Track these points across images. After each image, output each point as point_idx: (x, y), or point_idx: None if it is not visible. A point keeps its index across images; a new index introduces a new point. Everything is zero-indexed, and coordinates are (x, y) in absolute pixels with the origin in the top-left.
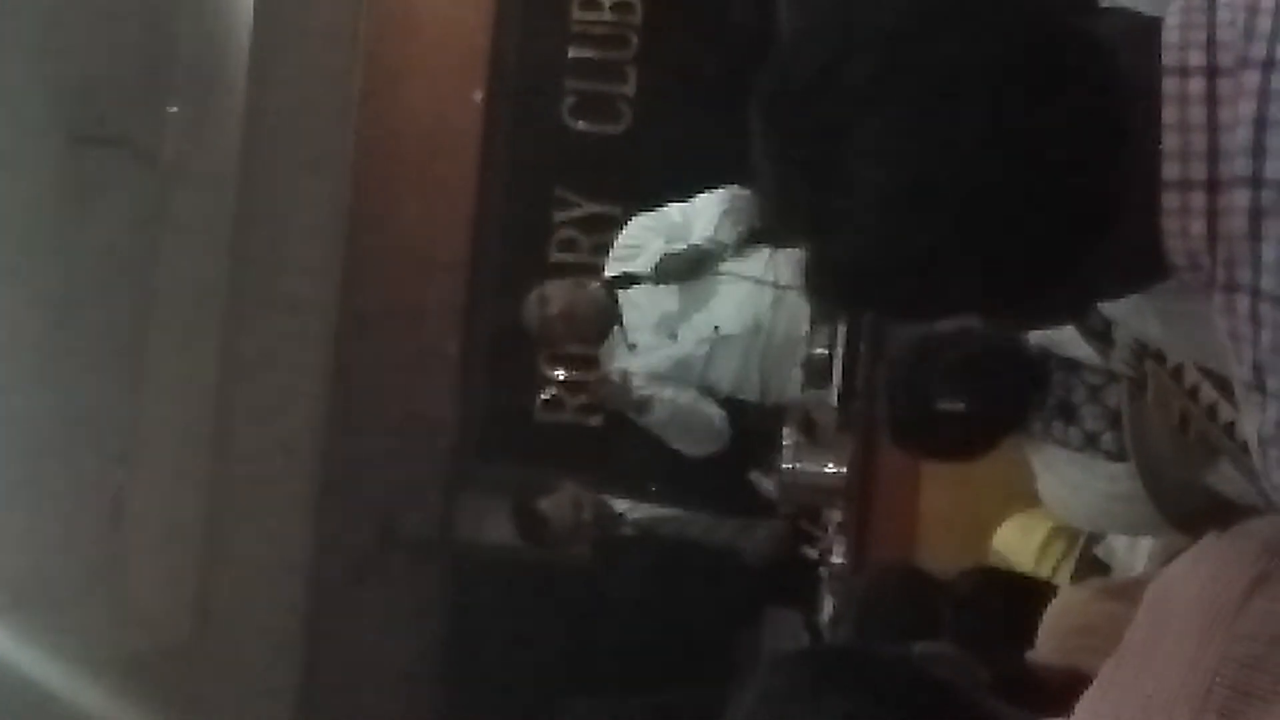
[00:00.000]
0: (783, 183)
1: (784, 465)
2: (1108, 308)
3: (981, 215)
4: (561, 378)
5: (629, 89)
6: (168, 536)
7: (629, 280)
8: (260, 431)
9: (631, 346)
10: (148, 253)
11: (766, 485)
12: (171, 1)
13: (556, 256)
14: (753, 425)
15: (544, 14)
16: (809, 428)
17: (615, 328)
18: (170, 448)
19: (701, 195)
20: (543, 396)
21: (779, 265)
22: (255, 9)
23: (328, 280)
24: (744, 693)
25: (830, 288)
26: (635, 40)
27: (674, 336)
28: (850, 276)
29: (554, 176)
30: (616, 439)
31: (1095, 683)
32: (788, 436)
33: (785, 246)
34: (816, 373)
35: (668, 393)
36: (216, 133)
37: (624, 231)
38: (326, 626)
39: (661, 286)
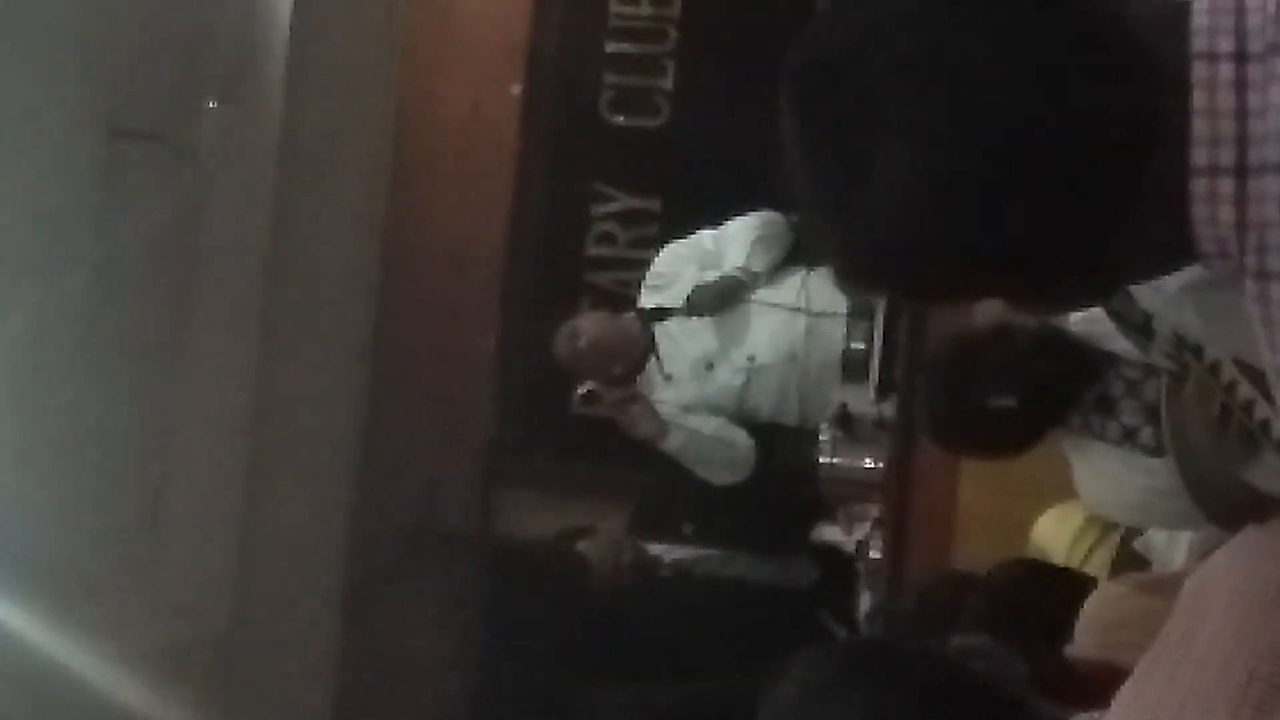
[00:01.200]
0: (812, 162)
1: (821, 460)
2: (1147, 301)
3: (1010, 197)
4: None
5: (667, 83)
6: (206, 528)
7: (662, 314)
8: (298, 425)
9: (668, 377)
10: (186, 247)
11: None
12: None
13: (594, 250)
14: (791, 454)
15: (582, 8)
16: (846, 423)
17: (652, 359)
18: (208, 441)
19: (733, 221)
20: (579, 391)
21: (811, 291)
22: (293, 4)
23: (366, 275)
24: (779, 684)
25: (859, 269)
26: (673, 34)
27: (710, 367)
28: (879, 257)
29: (592, 171)
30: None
31: (1133, 677)
32: (825, 432)
33: (817, 266)
34: (854, 368)
35: (692, 421)
36: (254, 128)
37: (656, 260)
38: (364, 618)
39: (695, 319)
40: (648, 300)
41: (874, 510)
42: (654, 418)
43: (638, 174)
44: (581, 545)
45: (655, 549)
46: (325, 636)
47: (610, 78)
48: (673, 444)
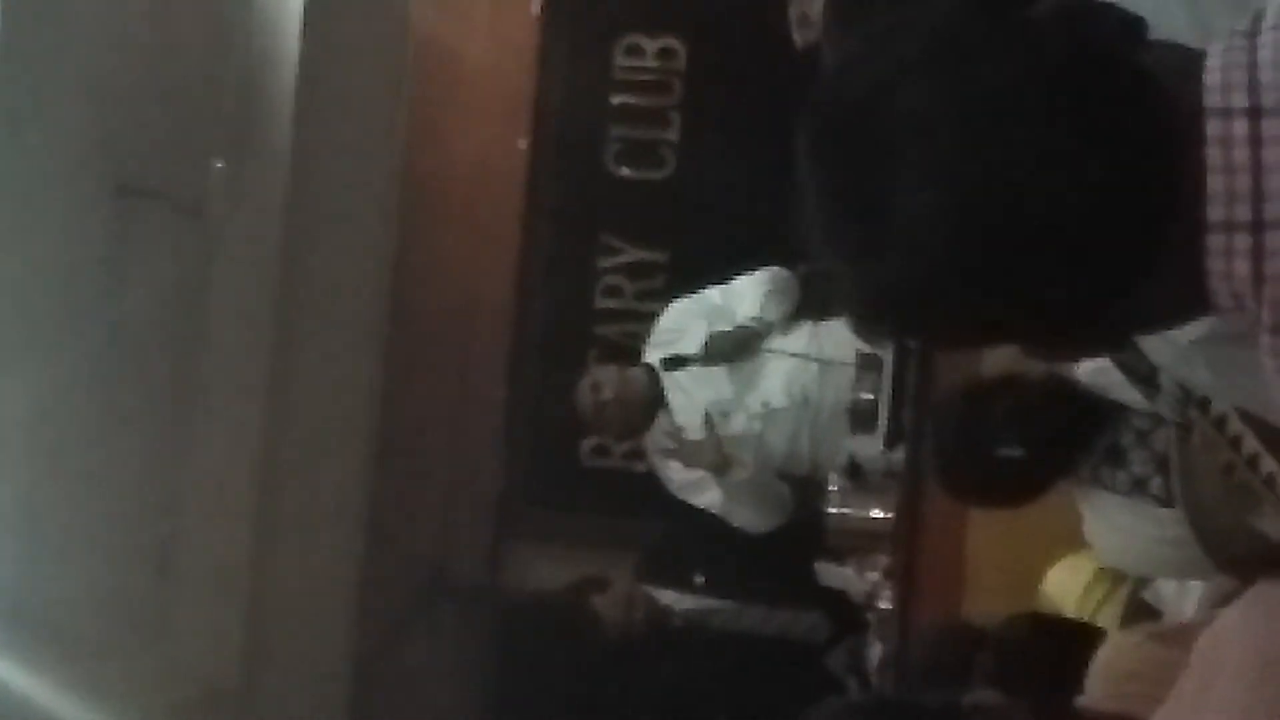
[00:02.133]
0: (828, 208)
1: (831, 510)
2: (1155, 354)
3: (1026, 245)
4: None
5: (673, 135)
6: (215, 585)
7: (678, 362)
8: (307, 480)
9: (678, 430)
10: (193, 305)
11: (831, 576)
12: (216, 54)
13: (601, 303)
14: (802, 503)
15: (588, 60)
16: (855, 473)
17: (660, 413)
18: (217, 497)
19: (741, 278)
20: (589, 443)
21: (822, 339)
22: (300, 61)
23: (374, 329)
24: None
25: (877, 314)
26: (679, 86)
27: (726, 416)
28: (894, 302)
29: (598, 222)
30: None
31: None
32: (834, 482)
33: (826, 318)
34: (863, 418)
35: (747, 457)
36: (261, 185)
37: (663, 317)
38: (374, 674)
39: (710, 369)
40: (655, 355)
41: (883, 560)
42: (721, 450)
43: (644, 226)
44: (595, 600)
45: (666, 598)
46: (336, 693)
47: (616, 130)
48: (739, 475)
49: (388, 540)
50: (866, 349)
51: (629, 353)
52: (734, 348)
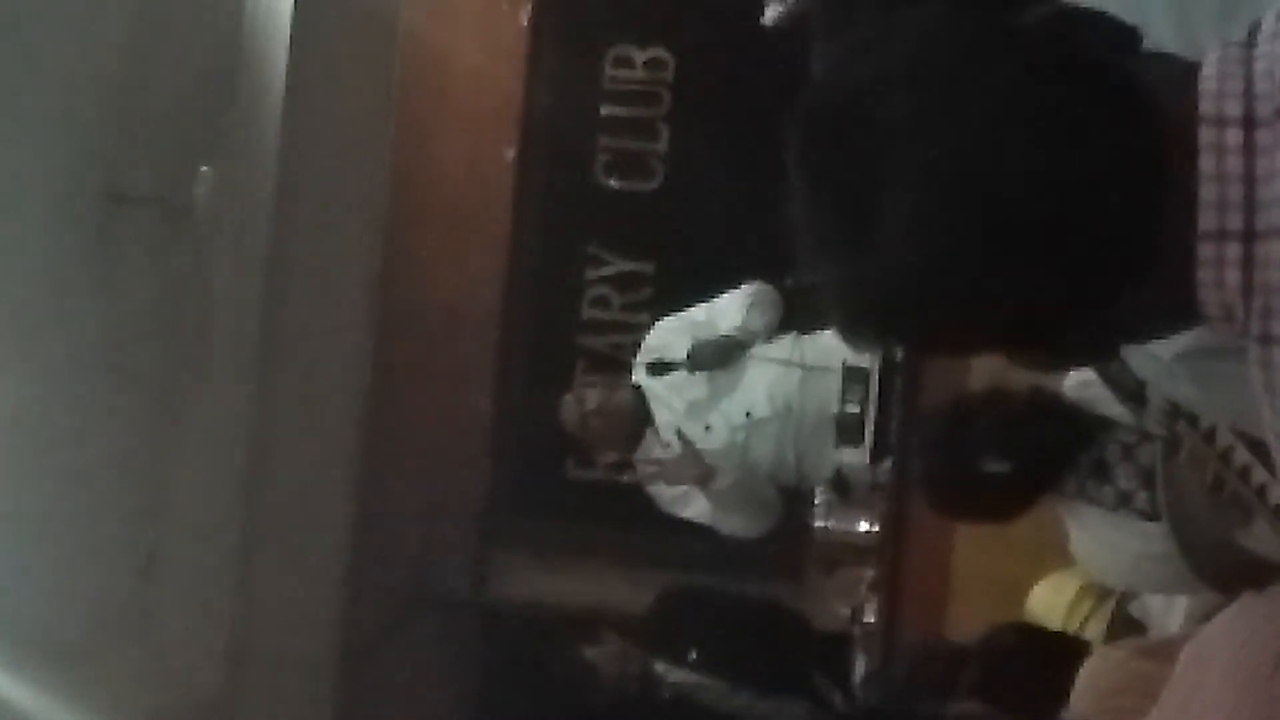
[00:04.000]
0: (816, 215)
1: (816, 524)
2: (1141, 369)
3: (1014, 253)
4: None
5: (661, 146)
6: (199, 590)
7: (662, 368)
8: (292, 486)
9: (666, 446)
10: (181, 309)
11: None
12: (205, 60)
13: (589, 314)
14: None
15: (576, 72)
16: (841, 486)
17: (648, 431)
18: (202, 501)
19: (724, 296)
20: (574, 454)
21: (805, 348)
22: (288, 68)
23: (361, 337)
24: None
25: (865, 321)
26: (667, 97)
27: (709, 429)
28: (881, 308)
29: (586, 234)
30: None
31: None
32: (820, 495)
33: (810, 330)
34: (848, 431)
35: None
36: (249, 190)
37: (649, 336)
38: (358, 682)
39: (690, 376)
40: (639, 375)
41: (869, 574)
42: (701, 462)
43: (632, 237)
44: (589, 652)
45: (658, 668)
46: (319, 701)
47: (605, 141)
48: (722, 483)
49: (373, 548)
50: (853, 361)
51: (616, 365)
52: (717, 356)
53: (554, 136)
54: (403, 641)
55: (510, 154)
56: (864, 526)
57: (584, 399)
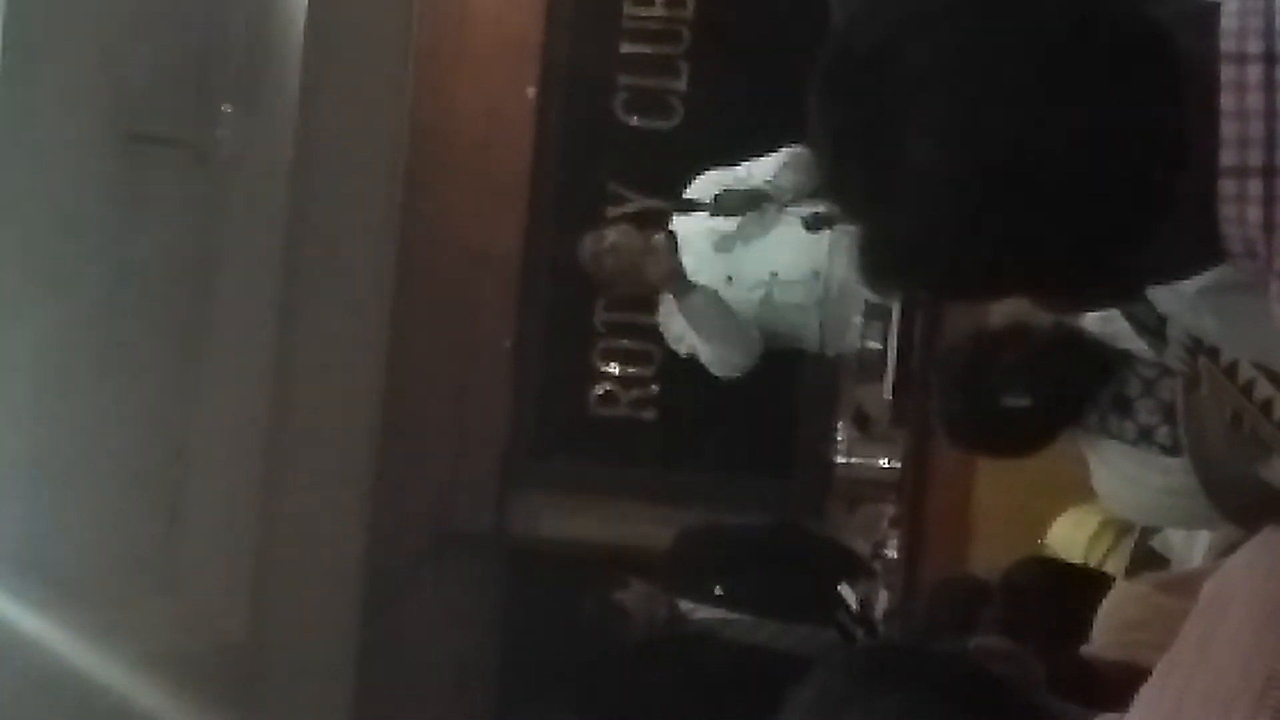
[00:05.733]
0: (840, 159)
1: (838, 460)
2: (1162, 304)
3: (1037, 195)
4: (616, 372)
5: (681, 84)
6: (224, 535)
7: (688, 205)
8: (315, 429)
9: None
10: (202, 251)
11: (850, 600)
12: (227, 1)
13: None
14: (812, 379)
15: (596, 9)
16: (863, 422)
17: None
18: (226, 446)
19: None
20: (597, 391)
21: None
22: (309, 7)
23: (382, 276)
24: (800, 689)
25: (884, 264)
26: (687, 35)
27: (730, 280)
28: (904, 252)
29: (606, 171)
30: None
31: (1151, 679)
32: (841, 431)
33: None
34: (870, 367)
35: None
36: (270, 131)
37: (690, 186)
38: (382, 624)
39: (714, 220)
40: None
41: (890, 510)
42: (675, 262)
43: (652, 175)
44: (618, 595)
45: (683, 605)
46: (343, 641)
47: (624, 79)
48: (695, 301)
49: (395, 490)
50: (874, 297)
51: (637, 302)
52: (743, 202)
53: (574, 74)
54: (426, 583)
55: (530, 92)
56: (885, 462)
57: (601, 237)
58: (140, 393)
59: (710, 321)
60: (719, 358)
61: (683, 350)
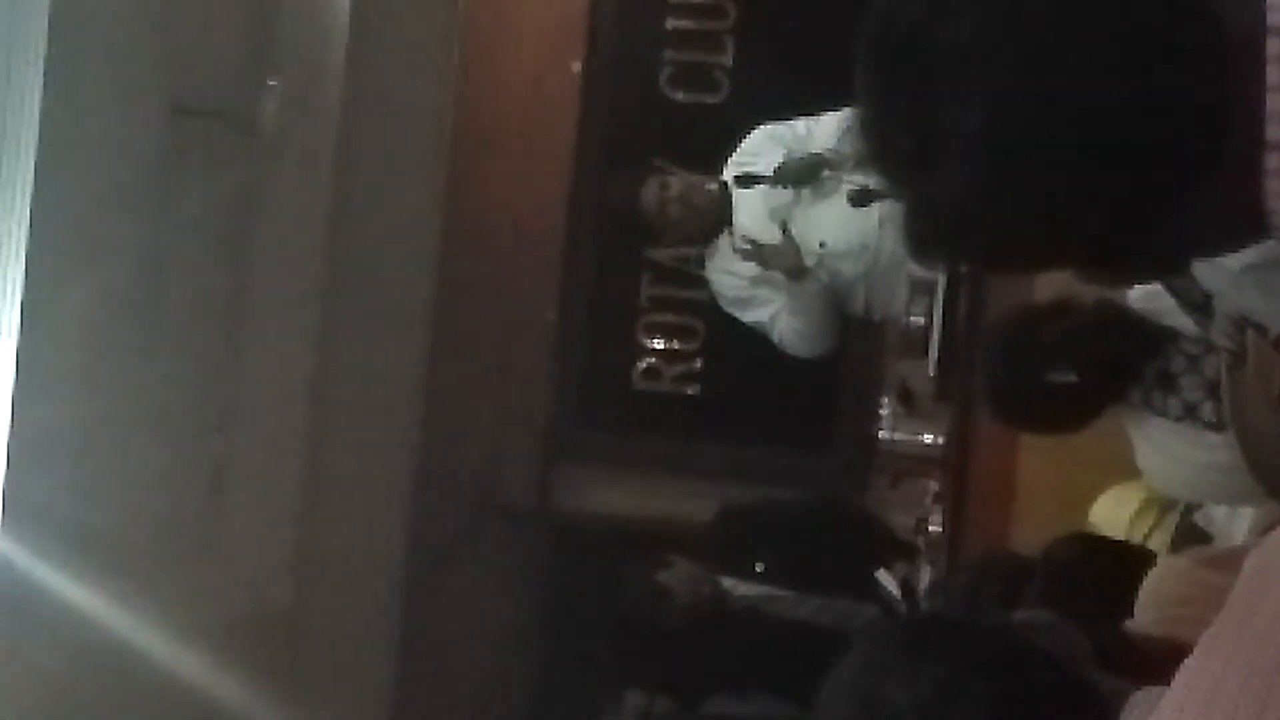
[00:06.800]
0: (883, 130)
1: (881, 435)
2: (1208, 280)
3: (1080, 167)
4: (660, 347)
5: (726, 59)
6: (268, 504)
7: (749, 180)
8: (359, 400)
9: (736, 252)
10: (246, 223)
11: (890, 586)
12: None
13: None
14: (857, 354)
15: None
16: (907, 398)
17: (725, 231)
18: (269, 415)
19: (827, 112)
20: (640, 365)
21: None
22: None
23: (426, 250)
24: (843, 659)
25: (928, 235)
26: (733, 10)
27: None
28: (949, 224)
29: (651, 146)
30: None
31: (1194, 654)
32: (886, 406)
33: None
34: (914, 343)
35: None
36: (316, 105)
37: (747, 140)
38: (425, 594)
39: (774, 190)
40: (728, 174)
41: (934, 485)
42: (798, 255)
43: (697, 150)
44: (662, 575)
45: (725, 582)
46: (387, 611)
47: (670, 54)
48: (808, 288)
49: (439, 461)
50: (919, 273)
51: (680, 276)
52: (805, 172)
53: (619, 49)
54: (469, 553)
55: (576, 67)
56: (929, 438)
57: (667, 183)
58: (185, 362)
59: (815, 308)
60: (808, 340)
61: (747, 317)
